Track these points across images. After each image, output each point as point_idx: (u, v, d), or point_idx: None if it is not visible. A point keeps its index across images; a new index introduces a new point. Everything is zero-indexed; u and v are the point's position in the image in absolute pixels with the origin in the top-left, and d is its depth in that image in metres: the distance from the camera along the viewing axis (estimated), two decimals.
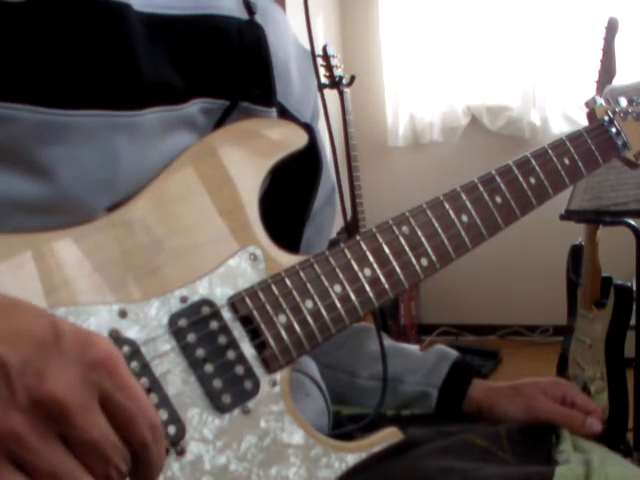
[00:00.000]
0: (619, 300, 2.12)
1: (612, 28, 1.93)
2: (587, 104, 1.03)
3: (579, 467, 0.76)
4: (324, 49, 2.85)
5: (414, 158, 3.87)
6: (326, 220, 0.96)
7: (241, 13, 0.78)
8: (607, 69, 1.93)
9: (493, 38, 3.67)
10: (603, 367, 2.14)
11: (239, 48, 0.76)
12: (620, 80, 1.93)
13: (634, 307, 2.10)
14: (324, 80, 2.86)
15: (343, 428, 0.86)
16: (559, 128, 3.52)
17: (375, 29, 3.85)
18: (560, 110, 3.56)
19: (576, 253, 2.28)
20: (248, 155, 0.74)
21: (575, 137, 0.95)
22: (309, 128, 0.83)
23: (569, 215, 2.10)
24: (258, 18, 0.80)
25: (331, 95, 2.91)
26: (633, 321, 2.10)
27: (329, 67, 2.86)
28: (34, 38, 0.62)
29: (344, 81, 2.87)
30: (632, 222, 2.10)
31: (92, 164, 0.64)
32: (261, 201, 0.73)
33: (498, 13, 3.65)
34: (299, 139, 0.78)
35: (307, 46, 0.92)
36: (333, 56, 2.87)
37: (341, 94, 2.86)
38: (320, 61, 2.84)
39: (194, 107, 0.72)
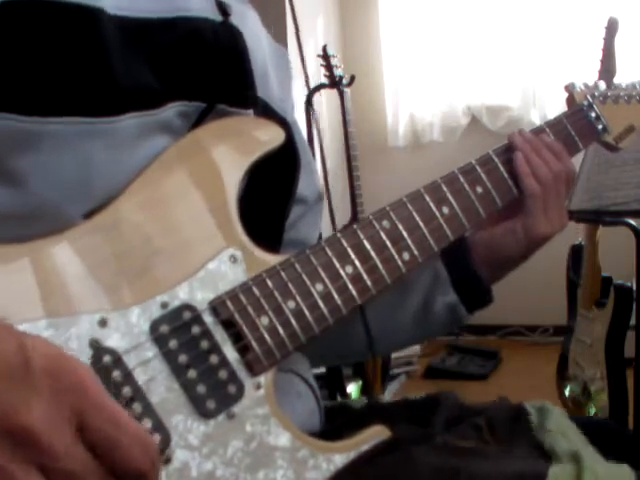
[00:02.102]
0: (619, 300, 2.13)
1: (612, 28, 1.92)
2: (566, 88, 1.03)
3: (570, 466, 0.76)
4: (324, 49, 2.85)
5: (414, 158, 3.86)
6: (319, 215, 0.96)
7: (215, 15, 0.78)
8: (607, 69, 1.92)
9: (493, 38, 3.66)
10: (603, 367, 2.14)
11: (215, 50, 0.76)
12: (620, 80, 1.92)
13: (634, 307, 2.10)
14: (324, 80, 2.85)
15: (334, 420, 0.85)
16: None
17: (375, 29, 3.84)
18: (560, 110, 3.53)
19: (576, 253, 2.28)
20: (225, 155, 0.73)
21: (554, 123, 0.97)
22: (286, 124, 0.82)
23: (569, 215, 2.08)
24: (233, 19, 0.79)
25: (331, 95, 2.90)
26: (633, 321, 2.10)
27: (329, 67, 2.85)
28: (4, 43, 0.61)
29: (344, 81, 2.87)
30: (632, 222, 2.10)
31: (67, 172, 0.64)
32: (239, 201, 0.72)
33: (498, 13, 3.64)
34: (276, 136, 0.77)
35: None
36: (333, 56, 2.86)
37: (341, 94, 2.85)
38: (320, 61, 2.83)
39: (170, 111, 0.71)
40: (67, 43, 0.64)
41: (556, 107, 3.58)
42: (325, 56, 2.84)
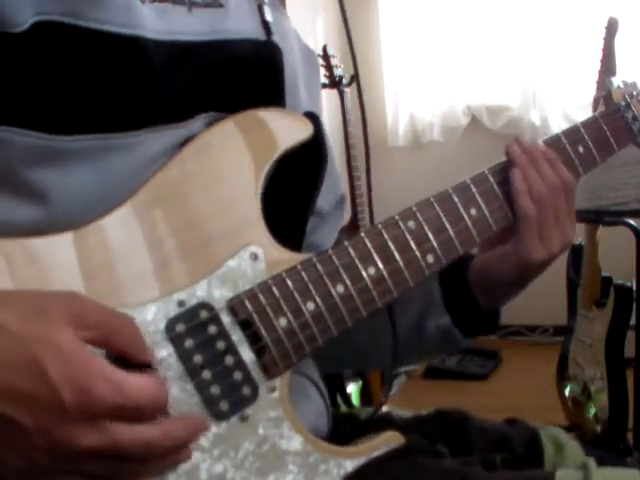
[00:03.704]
0: (619, 300, 2.13)
1: (612, 28, 1.92)
2: (604, 85, 1.00)
3: (577, 471, 0.77)
4: (324, 49, 2.85)
5: (414, 158, 3.86)
6: (337, 224, 0.95)
7: (259, 33, 0.78)
8: (607, 69, 1.92)
9: (493, 38, 3.66)
10: (603, 367, 2.14)
11: (253, 69, 0.75)
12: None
13: (634, 307, 2.11)
14: (324, 80, 2.85)
15: (341, 429, 0.85)
16: (559, 128, 3.47)
17: (375, 29, 3.83)
18: (560, 110, 3.56)
19: (576, 253, 2.28)
20: (249, 148, 0.72)
21: (590, 123, 0.92)
22: (314, 118, 0.80)
23: None
24: (275, 37, 0.79)
25: (331, 95, 2.90)
26: (633, 321, 2.10)
27: (329, 67, 2.85)
28: (33, 65, 0.62)
29: (344, 81, 2.87)
30: (632, 222, 2.10)
31: (88, 187, 0.64)
32: (263, 196, 0.71)
33: (498, 13, 3.63)
34: (304, 130, 0.75)
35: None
36: (333, 56, 2.86)
37: (341, 94, 2.85)
38: (320, 61, 2.83)
39: (199, 122, 0.71)
40: (91, 65, 0.64)
41: (556, 107, 3.58)
42: (325, 56, 2.84)
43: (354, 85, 2.88)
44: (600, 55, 1.91)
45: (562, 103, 3.56)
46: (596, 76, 1.92)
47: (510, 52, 3.63)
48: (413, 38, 3.76)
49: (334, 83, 2.86)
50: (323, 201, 0.89)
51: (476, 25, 3.67)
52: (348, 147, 2.82)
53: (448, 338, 0.87)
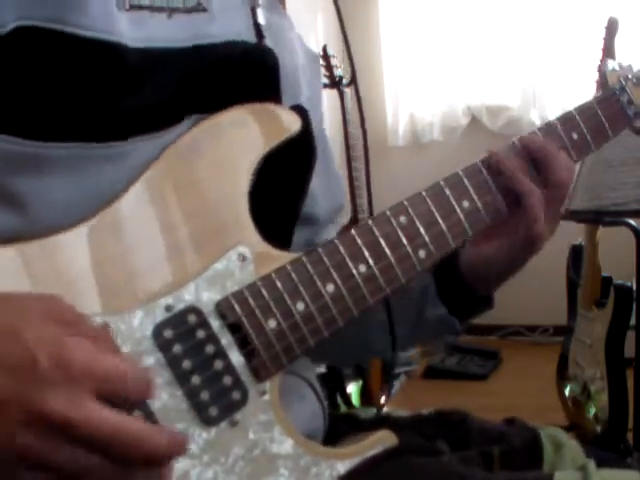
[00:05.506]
0: (619, 300, 2.13)
1: (612, 28, 1.92)
2: (599, 69, 0.98)
3: (576, 473, 0.76)
4: (324, 49, 2.85)
5: (414, 158, 3.86)
6: (336, 229, 0.94)
7: (249, 36, 0.76)
8: None
9: (493, 38, 3.66)
10: (603, 367, 2.14)
11: (243, 71, 0.74)
12: None
13: (634, 307, 2.10)
14: (324, 80, 2.85)
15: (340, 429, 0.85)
16: None
17: (375, 29, 3.84)
18: (560, 110, 3.52)
19: (576, 253, 2.28)
20: (236, 147, 0.70)
21: (584, 109, 0.89)
22: (302, 111, 0.79)
23: (569, 215, 2.09)
24: (268, 40, 0.77)
25: (331, 95, 2.90)
26: (633, 321, 2.10)
27: (329, 67, 2.85)
28: (14, 68, 0.62)
29: (344, 81, 2.87)
30: (632, 222, 2.09)
31: (70, 197, 0.64)
32: (252, 195, 0.70)
33: (498, 13, 3.63)
34: (292, 124, 0.73)
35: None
36: (333, 56, 2.86)
37: (341, 94, 2.85)
38: (320, 61, 2.83)
39: (185, 127, 0.70)
40: (74, 71, 0.63)
41: (556, 107, 3.57)
42: (325, 56, 2.84)
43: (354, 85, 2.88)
44: (600, 55, 1.91)
45: (562, 103, 3.55)
46: (596, 76, 1.92)
47: (510, 52, 3.63)
48: (413, 38, 3.76)
49: (334, 83, 2.86)
50: (321, 208, 0.89)
51: (476, 25, 3.67)
52: (348, 147, 2.82)
53: (447, 326, 0.90)
